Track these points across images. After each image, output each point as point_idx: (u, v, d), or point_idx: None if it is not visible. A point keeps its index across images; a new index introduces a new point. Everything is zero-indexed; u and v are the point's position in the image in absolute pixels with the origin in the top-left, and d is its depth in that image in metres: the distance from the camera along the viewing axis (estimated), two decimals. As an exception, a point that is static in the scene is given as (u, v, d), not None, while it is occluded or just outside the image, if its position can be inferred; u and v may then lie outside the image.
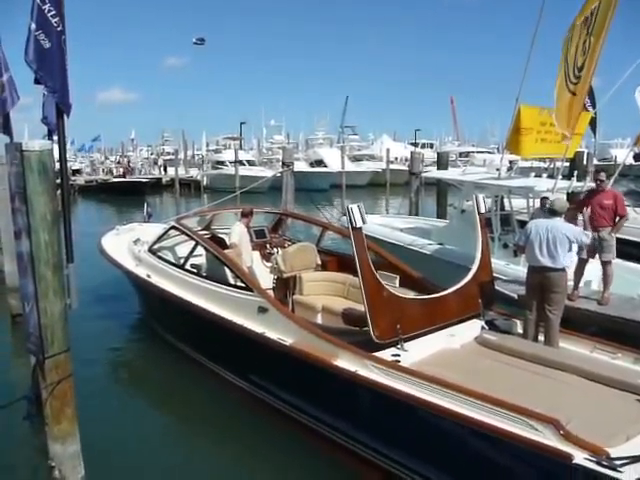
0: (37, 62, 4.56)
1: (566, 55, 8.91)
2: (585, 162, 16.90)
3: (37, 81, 4.71)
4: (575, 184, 9.54)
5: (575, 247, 6.49)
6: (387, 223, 13.11)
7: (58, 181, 4.87)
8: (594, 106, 13.20)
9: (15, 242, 4.51)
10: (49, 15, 4.53)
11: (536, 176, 10.41)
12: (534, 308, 6.11)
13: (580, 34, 8.62)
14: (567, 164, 13.26)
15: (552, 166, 11.66)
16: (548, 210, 6.38)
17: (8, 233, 8.43)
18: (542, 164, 13.18)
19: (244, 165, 40.72)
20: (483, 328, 6.02)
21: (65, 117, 4.94)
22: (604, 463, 3.45)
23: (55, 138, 5.09)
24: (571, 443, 3.65)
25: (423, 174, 17.04)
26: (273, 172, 29.94)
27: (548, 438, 3.74)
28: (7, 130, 9.21)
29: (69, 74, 4.82)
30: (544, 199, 9.73)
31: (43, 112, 5.44)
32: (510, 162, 12.79)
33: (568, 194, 9.11)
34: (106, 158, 62.59)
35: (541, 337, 6.04)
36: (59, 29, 4.62)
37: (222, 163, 45.58)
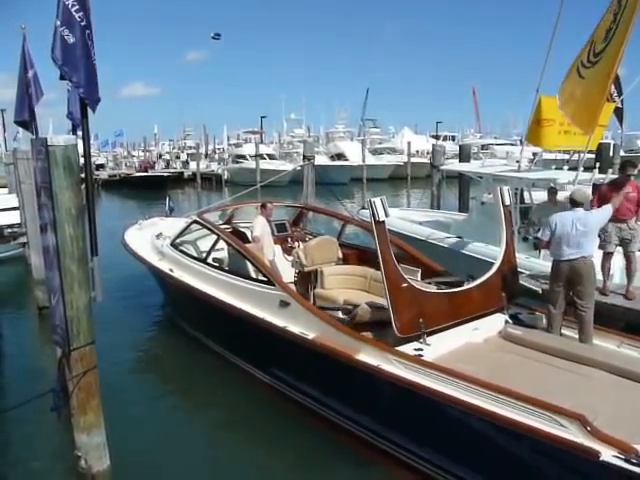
0: (62, 57, 4.58)
1: (593, 37, 8.61)
2: (612, 154, 16.49)
3: (62, 77, 4.74)
4: (597, 176, 9.34)
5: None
6: (405, 216, 13.02)
7: (82, 175, 4.92)
8: (620, 95, 12.83)
9: (41, 236, 4.57)
10: (73, 10, 4.56)
11: (557, 168, 10.23)
12: (559, 303, 5.99)
13: (606, 20, 8.35)
14: (593, 156, 12.96)
15: (574, 158, 11.44)
16: (569, 201, 6.23)
17: (34, 227, 8.58)
18: (567, 156, 12.93)
19: (264, 159, 40.80)
20: (507, 322, 5.95)
21: (90, 112, 4.96)
22: (633, 461, 3.38)
23: (79, 133, 5.14)
24: (598, 440, 3.59)
25: (442, 167, 16.87)
26: (293, 166, 30.02)
27: (574, 434, 3.68)
28: (33, 125, 9.39)
29: (97, 68, 4.84)
30: (552, 190, 9.55)
31: (68, 107, 5.49)
32: (533, 154, 12.58)
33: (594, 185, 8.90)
34: (129, 152, 63.57)
35: (565, 331, 5.93)
36: (83, 24, 4.64)
37: (243, 157, 45.76)
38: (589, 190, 7.59)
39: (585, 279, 5.87)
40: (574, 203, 6.04)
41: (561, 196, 9.48)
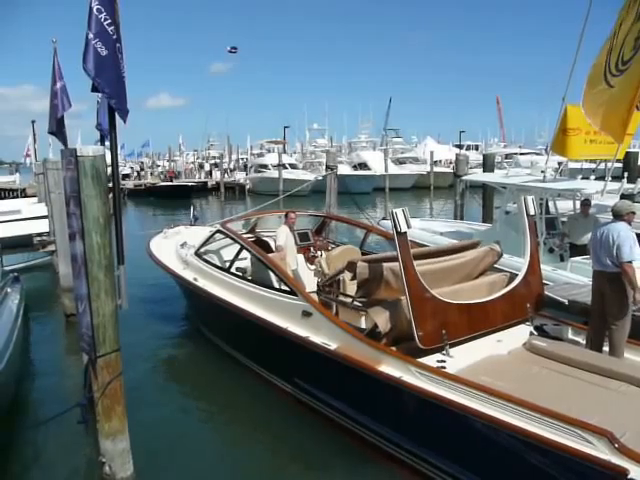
0: (95, 69, 4.66)
1: (612, 43, 8.44)
2: (640, 163, 16.21)
3: (94, 89, 4.83)
4: (626, 186, 9.16)
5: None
6: (427, 227, 12.94)
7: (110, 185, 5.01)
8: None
9: (69, 244, 4.67)
10: (105, 24, 4.66)
11: (583, 178, 10.09)
12: (595, 315, 5.88)
13: (632, 27, 8.20)
14: (620, 165, 12.74)
15: (601, 167, 11.27)
16: (612, 213, 6.06)
17: (63, 235, 8.76)
18: (593, 165, 12.76)
19: (286, 168, 41.07)
20: (532, 334, 5.86)
21: (121, 123, 5.05)
22: (663, 479, 3.30)
23: (107, 144, 5.24)
24: (626, 457, 3.50)
25: (465, 177, 16.74)
26: (315, 175, 30.18)
27: (601, 451, 3.60)
28: (61, 136, 9.61)
29: (126, 81, 4.94)
30: (585, 201, 9.40)
31: (97, 119, 5.59)
32: (559, 164, 12.43)
33: (623, 196, 8.73)
34: (154, 162, 64.45)
35: (605, 347, 5.80)
36: (114, 37, 4.75)
37: (265, 167, 46.11)
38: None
39: (613, 295, 5.70)
40: (613, 214, 5.88)
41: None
